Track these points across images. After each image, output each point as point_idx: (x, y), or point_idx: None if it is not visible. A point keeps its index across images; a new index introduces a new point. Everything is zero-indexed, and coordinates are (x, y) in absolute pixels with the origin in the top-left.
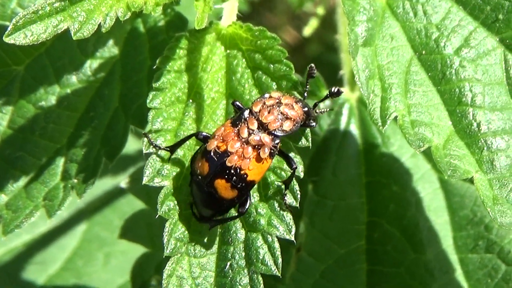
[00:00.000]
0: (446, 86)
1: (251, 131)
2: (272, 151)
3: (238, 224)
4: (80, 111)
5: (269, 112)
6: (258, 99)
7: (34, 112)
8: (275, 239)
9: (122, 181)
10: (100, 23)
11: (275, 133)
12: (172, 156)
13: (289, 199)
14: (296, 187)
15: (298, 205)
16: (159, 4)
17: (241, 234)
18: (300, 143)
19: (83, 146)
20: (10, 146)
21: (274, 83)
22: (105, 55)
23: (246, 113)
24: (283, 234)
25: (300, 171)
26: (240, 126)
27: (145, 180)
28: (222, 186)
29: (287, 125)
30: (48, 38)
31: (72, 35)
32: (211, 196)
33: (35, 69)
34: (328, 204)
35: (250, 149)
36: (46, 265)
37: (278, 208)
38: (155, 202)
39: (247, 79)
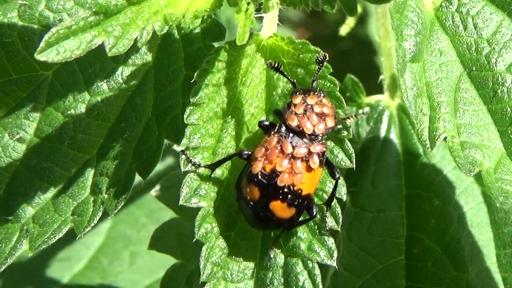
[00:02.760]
0: (498, 105)
1: (295, 144)
2: (321, 158)
3: (277, 248)
4: (111, 121)
5: (308, 119)
6: (288, 112)
7: (63, 120)
8: (316, 265)
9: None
10: (136, 37)
11: (320, 136)
12: (210, 176)
13: (330, 222)
14: (338, 210)
15: (339, 229)
16: (198, 16)
17: (281, 259)
18: (343, 163)
19: (114, 158)
20: (36, 156)
21: None
22: (138, 62)
23: (283, 129)
24: (324, 259)
25: (343, 193)
26: (282, 142)
27: (181, 201)
28: (279, 208)
29: (330, 123)
30: (82, 54)
31: (107, 51)
32: (268, 219)
33: (64, 75)
34: (366, 216)
35: (298, 163)
36: (70, 262)
37: (319, 232)
38: (186, 212)
39: (288, 95)
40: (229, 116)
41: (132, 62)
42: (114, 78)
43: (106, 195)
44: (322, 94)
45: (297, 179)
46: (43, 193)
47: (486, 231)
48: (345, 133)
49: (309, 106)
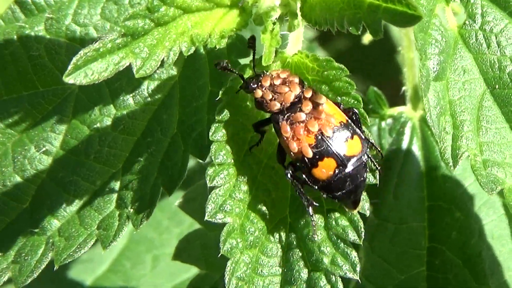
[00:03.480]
0: None
1: (299, 111)
2: (317, 94)
3: (301, 262)
4: (137, 135)
5: (281, 92)
6: (264, 103)
7: (89, 134)
8: (339, 279)
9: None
10: (163, 58)
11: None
12: (235, 192)
13: (352, 235)
14: (361, 224)
15: (361, 243)
16: (224, 36)
17: (304, 273)
18: (368, 179)
19: (139, 173)
20: (63, 169)
21: None
22: (163, 77)
23: (278, 116)
24: (347, 273)
25: (366, 208)
26: (291, 119)
27: (207, 216)
28: (350, 146)
29: (296, 79)
30: (109, 76)
31: (135, 72)
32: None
33: (90, 89)
34: (389, 227)
35: (319, 111)
36: (93, 264)
37: (342, 246)
38: (210, 223)
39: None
40: (254, 133)
41: (158, 76)
42: (140, 92)
43: (131, 210)
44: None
45: (329, 120)
46: (69, 206)
47: (507, 244)
48: (368, 150)
49: (271, 85)
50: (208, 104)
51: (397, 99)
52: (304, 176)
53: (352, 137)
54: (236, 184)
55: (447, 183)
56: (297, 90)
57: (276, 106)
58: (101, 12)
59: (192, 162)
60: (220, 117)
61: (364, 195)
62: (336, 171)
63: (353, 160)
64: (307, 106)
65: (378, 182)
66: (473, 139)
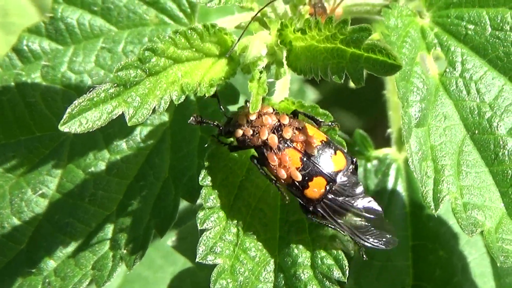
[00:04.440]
0: (499, 167)
1: (285, 138)
2: (292, 119)
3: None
4: (130, 178)
5: (259, 132)
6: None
7: (84, 177)
8: None
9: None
10: (155, 106)
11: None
12: (225, 235)
13: (337, 273)
14: (345, 262)
15: (346, 280)
16: (213, 85)
17: None
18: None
19: (132, 215)
20: (59, 211)
21: None
22: (155, 122)
23: (264, 149)
24: None
25: (350, 249)
26: (275, 151)
27: (198, 258)
28: (335, 162)
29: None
30: (103, 125)
31: (127, 120)
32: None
33: (85, 134)
34: (375, 265)
35: (298, 136)
36: None
37: (328, 284)
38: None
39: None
40: (243, 177)
41: (150, 122)
42: (133, 137)
43: (125, 251)
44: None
45: (311, 140)
46: (65, 247)
47: (489, 281)
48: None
49: (248, 121)
50: (198, 149)
51: (384, 140)
52: (299, 200)
53: (335, 153)
54: (226, 227)
55: (430, 222)
56: (274, 119)
57: (260, 138)
58: (95, 60)
59: (183, 202)
60: (209, 163)
61: (348, 237)
62: (327, 188)
63: (340, 174)
64: (288, 132)
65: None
66: (453, 183)
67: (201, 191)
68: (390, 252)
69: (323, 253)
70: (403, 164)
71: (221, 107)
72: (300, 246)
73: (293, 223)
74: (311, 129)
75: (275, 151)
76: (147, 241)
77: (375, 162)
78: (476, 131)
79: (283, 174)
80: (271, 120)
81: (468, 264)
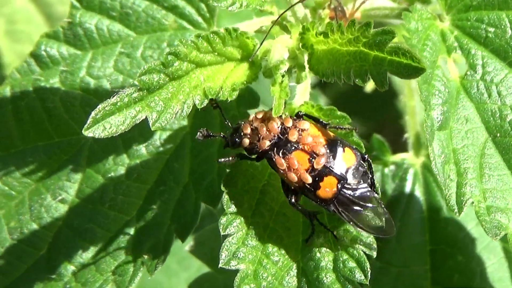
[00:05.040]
0: None
1: (288, 144)
2: (298, 118)
3: None
4: (150, 183)
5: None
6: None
7: (103, 182)
8: None
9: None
10: (178, 111)
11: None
12: (248, 240)
13: (359, 275)
14: (367, 264)
15: (368, 283)
16: (235, 89)
17: None
18: (373, 222)
19: (153, 220)
20: (78, 217)
21: None
22: (175, 127)
23: (271, 153)
24: None
25: (373, 250)
26: (284, 153)
27: (221, 264)
28: (347, 159)
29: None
30: (126, 130)
31: (151, 125)
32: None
33: (104, 139)
34: (392, 270)
35: (308, 138)
36: None
37: (350, 287)
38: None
39: None
40: (266, 181)
41: (170, 126)
42: (152, 142)
43: (146, 256)
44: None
45: (317, 140)
46: (85, 252)
47: (507, 286)
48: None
49: (253, 129)
50: (218, 153)
51: (396, 145)
52: (313, 201)
53: (344, 150)
54: (248, 232)
55: (449, 227)
56: (278, 123)
57: (266, 143)
58: (114, 65)
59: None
60: (230, 168)
61: (371, 237)
62: (339, 186)
63: (351, 171)
64: (293, 135)
65: (384, 225)
66: (476, 186)
67: (222, 196)
68: (407, 257)
69: (345, 256)
70: (421, 169)
71: (226, 118)
72: (323, 249)
73: (316, 226)
74: (316, 129)
75: (282, 155)
76: (168, 246)
77: (392, 167)
78: (498, 134)
79: (293, 177)
80: (275, 125)
81: (487, 269)
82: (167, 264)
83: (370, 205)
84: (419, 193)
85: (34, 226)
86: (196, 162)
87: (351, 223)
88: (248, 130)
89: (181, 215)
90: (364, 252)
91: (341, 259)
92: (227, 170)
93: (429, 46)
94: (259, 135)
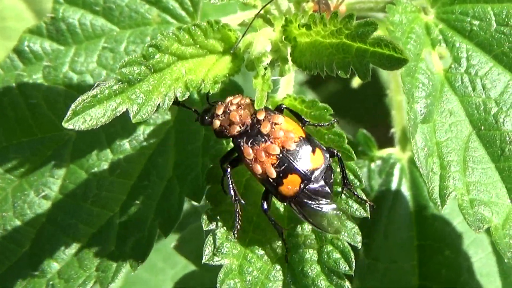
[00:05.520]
0: (505, 163)
1: (257, 135)
2: (273, 111)
3: None
4: (133, 178)
5: (232, 116)
6: (229, 128)
7: (86, 178)
8: None
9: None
10: (159, 103)
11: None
12: (230, 235)
13: (343, 266)
14: (351, 255)
15: (352, 273)
16: (218, 81)
17: None
18: (358, 213)
19: (136, 215)
20: (61, 213)
21: None
22: (158, 122)
23: (240, 140)
24: None
25: (358, 241)
26: (251, 143)
27: (204, 259)
28: (311, 159)
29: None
30: (107, 122)
31: (131, 117)
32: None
33: (87, 135)
34: (379, 267)
35: (278, 132)
36: None
37: (336, 279)
38: (205, 264)
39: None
40: (249, 175)
41: (153, 121)
42: (136, 137)
43: (129, 252)
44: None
45: (288, 136)
46: (68, 249)
47: (495, 280)
48: (358, 183)
49: (225, 112)
50: (202, 147)
51: (386, 141)
52: (273, 195)
53: (313, 151)
54: (233, 226)
55: (436, 222)
56: (251, 111)
57: (236, 129)
58: (98, 60)
59: (185, 205)
60: (214, 163)
61: (356, 228)
62: (302, 186)
63: (317, 172)
64: (266, 127)
65: (369, 216)
66: (460, 179)
67: (206, 190)
68: (394, 253)
69: (329, 247)
70: (407, 163)
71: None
72: (307, 241)
73: (299, 219)
74: (290, 124)
75: (251, 144)
76: (151, 241)
77: (378, 162)
78: (482, 127)
79: (258, 169)
80: (248, 113)
81: (474, 263)
82: (153, 262)
83: (329, 205)
84: (405, 188)
85: (17, 222)
86: (180, 156)
87: (306, 220)
88: (221, 112)
89: (165, 209)
90: (349, 243)
91: (325, 250)
92: (211, 165)
93: (413, 39)
94: (231, 120)
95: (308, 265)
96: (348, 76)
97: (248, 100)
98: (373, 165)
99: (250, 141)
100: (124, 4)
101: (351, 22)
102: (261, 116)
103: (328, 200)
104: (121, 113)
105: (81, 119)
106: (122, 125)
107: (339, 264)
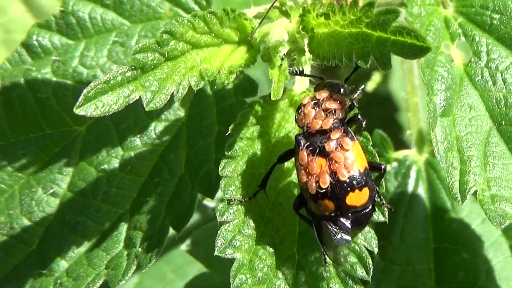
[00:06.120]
0: None
1: (321, 143)
2: (349, 136)
3: None
4: (144, 175)
5: (315, 117)
6: (299, 118)
7: (96, 175)
8: None
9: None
10: (173, 92)
11: (336, 126)
12: (245, 228)
13: (360, 272)
14: (369, 260)
15: (370, 279)
16: (233, 72)
17: None
18: (376, 218)
19: (147, 213)
20: (70, 210)
21: None
22: (171, 118)
23: (303, 141)
24: None
25: (374, 246)
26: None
27: (216, 251)
28: (355, 197)
29: (339, 115)
30: (120, 109)
31: (145, 105)
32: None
33: (97, 130)
34: (395, 269)
35: (337, 154)
36: None
37: (351, 282)
38: (215, 265)
39: None
40: (263, 169)
41: (165, 117)
42: (147, 133)
43: (140, 249)
44: (332, 91)
45: (349, 163)
46: (77, 247)
47: None
48: (378, 187)
49: (317, 104)
50: (215, 143)
51: (401, 143)
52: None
53: (361, 189)
54: (245, 220)
55: (453, 224)
56: (329, 123)
57: (302, 123)
58: (108, 54)
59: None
60: (230, 152)
61: (372, 233)
62: (332, 215)
63: (352, 210)
64: (330, 145)
65: (387, 220)
66: (480, 174)
67: (220, 182)
68: (411, 255)
69: (346, 251)
70: (424, 165)
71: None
72: None
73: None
74: (356, 153)
75: (309, 151)
76: (163, 238)
77: (395, 164)
78: (503, 122)
79: (302, 177)
80: (328, 119)
81: (493, 267)
82: (163, 273)
83: (344, 237)
84: (422, 190)
85: (25, 221)
86: (192, 152)
87: (317, 238)
88: (317, 100)
89: (176, 206)
90: (366, 248)
91: (341, 253)
92: (225, 157)
93: (432, 31)
94: (315, 114)
95: (323, 266)
96: (368, 66)
97: (339, 113)
98: (389, 167)
99: (310, 147)
100: None
101: (371, 10)
102: (335, 135)
103: (347, 232)
104: (134, 100)
105: (93, 105)
106: (134, 121)
107: (355, 268)
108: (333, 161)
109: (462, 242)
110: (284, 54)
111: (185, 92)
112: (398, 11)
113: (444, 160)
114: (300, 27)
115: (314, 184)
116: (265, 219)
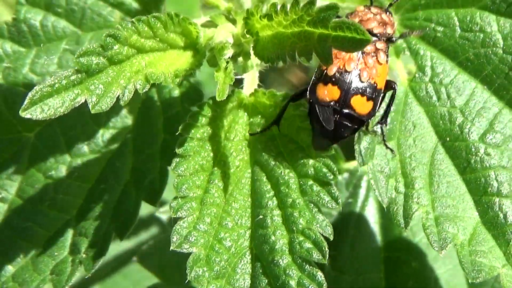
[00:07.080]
0: (471, 175)
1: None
2: (386, 54)
3: None
4: (91, 182)
5: (369, 20)
6: (350, 17)
7: (44, 181)
8: None
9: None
10: (119, 96)
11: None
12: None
13: (316, 256)
14: (324, 244)
15: (326, 261)
16: (178, 76)
17: None
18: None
19: (93, 219)
20: (18, 216)
21: (300, 151)
22: (118, 126)
23: None
24: None
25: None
26: None
27: (172, 246)
28: (359, 103)
29: (389, 30)
30: (65, 112)
31: (90, 108)
32: (347, 118)
33: (46, 137)
34: (346, 279)
35: (369, 59)
36: None
37: (308, 268)
38: (168, 276)
39: (273, 147)
40: (215, 168)
41: (113, 125)
42: (95, 140)
43: (84, 255)
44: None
45: (374, 73)
46: (23, 252)
47: None
48: (331, 176)
49: (374, 13)
50: (160, 151)
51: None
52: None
53: (368, 99)
54: (199, 217)
55: (403, 234)
56: (386, 30)
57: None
58: (58, 62)
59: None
60: (181, 151)
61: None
62: (331, 104)
63: (350, 112)
64: (372, 47)
65: (341, 208)
66: (425, 195)
67: (174, 180)
68: (361, 265)
69: (301, 238)
70: None
71: None
72: (277, 233)
73: (267, 210)
74: (382, 71)
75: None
76: (106, 245)
77: (346, 175)
78: (448, 138)
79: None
80: (385, 28)
81: (442, 275)
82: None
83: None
84: (373, 200)
85: None
86: (138, 160)
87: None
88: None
89: (121, 213)
90: (321, 234)
91: (297, 240)
92: (176, 155)
93: None
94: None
95: (279, 255)
96: (310, 62)
97: (390, 30)
98: (340, 178)
99: None
100: (87, 7)
101: (312, 8)
102: (380, 45)
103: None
104: (79, 103)
105: (39, 108)
106: (81, 128)
107: (312, 253)
108: (363, 62)
109: (412, 251)
110: (229, 57)
111: (131, 95)
112: (337, 6)
113: (385, 189)
114: (245, 30)
115: (335, 68)
116: (220, 215)
